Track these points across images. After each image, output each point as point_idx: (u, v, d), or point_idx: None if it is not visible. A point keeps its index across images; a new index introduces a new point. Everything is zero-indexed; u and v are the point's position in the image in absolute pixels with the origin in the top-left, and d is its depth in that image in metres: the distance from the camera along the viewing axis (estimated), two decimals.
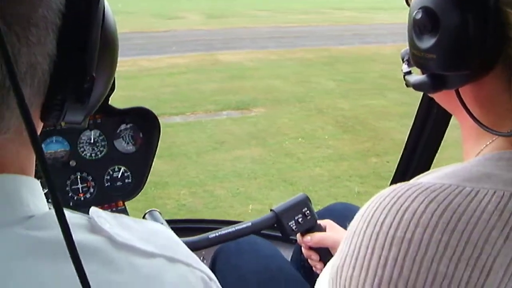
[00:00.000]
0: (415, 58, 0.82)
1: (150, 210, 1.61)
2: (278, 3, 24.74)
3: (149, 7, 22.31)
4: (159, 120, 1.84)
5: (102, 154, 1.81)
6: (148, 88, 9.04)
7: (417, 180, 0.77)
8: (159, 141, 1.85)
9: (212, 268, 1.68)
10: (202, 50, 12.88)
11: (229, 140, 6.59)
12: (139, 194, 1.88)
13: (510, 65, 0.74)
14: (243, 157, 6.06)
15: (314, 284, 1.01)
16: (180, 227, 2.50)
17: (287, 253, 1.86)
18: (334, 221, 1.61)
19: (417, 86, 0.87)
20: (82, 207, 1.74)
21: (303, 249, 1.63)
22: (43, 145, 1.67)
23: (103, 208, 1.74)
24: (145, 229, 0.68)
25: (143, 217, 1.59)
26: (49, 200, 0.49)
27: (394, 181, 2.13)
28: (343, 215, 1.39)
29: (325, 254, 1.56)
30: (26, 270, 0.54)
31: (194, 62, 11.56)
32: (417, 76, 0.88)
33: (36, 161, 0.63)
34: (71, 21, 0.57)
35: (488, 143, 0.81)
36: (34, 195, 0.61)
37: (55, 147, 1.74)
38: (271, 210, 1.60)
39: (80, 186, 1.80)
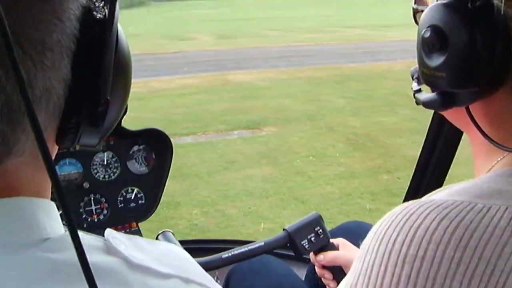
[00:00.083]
0: (425, 76, 0.82)
1: (163, 231, 1.62)
2: (288, 23, 24.84)
3: (160, 29, 22.47)
4: None
5: (115, 175, 1.83)
6: (158, 109, 9.09)
7: (428, 197, 0.77)
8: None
9: None
10: (213, 71, 12.94)
11: (240, 159, 6.59)
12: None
13: None
14: (254, 176, 6.06)
15: None
16: (193, 247, 2.50)
17: (301, 272, 1.85)
18: (347, 239, 1.61)
19: (427, 104, 0.87)
20: (96, 229, 1.75)
21: (316, 268, 1.62)
22: (56, 167, 1.68)
23: (116, 229, 1.75)
24: (160, 250, 0.68)
25: (156, 238, 1.59)
26: (64, 222, 0.50)
27: (407, 198, 2.12)
28: (356, 233, 1.39)
29: (338, 272, 1.55)
30: None
31: (205, 83, 11.60)
32: (427, 94, 0.88)
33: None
34: (85, 46, 0.58)
35: (499, 159, 0.81)
36: (50, 218, 0.61)
37: (68, 169, 1.75)
38: (283, 229, 1.60)
39: (93, 207, 1.80)
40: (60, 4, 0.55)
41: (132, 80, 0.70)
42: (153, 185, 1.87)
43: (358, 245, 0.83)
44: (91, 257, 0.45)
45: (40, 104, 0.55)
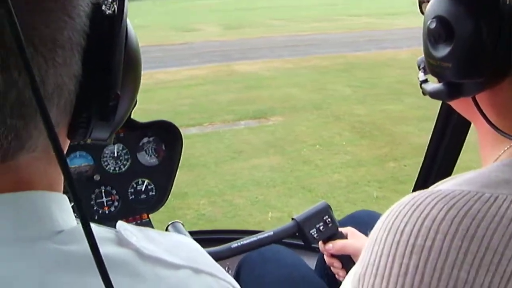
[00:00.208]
0: (431, 67, 0.82)
1: (173, 222, 1.63)
2: (292, 12, 24.76)
3: (167, 21, 22.42)
4: None
5: (125, 167, 1.83)
6: (164, 101, 9.09)
7: (436, 187, 0.77)
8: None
9: (237, 278, 1.69)
10: (219, 61, 12.92)
11: (247, 149, 6.60)
12: None
13: None
14: (261, 165, 6.06)
15: None
16: (202, 238, 2.51)
17: (311, 262, 1.86)
18: (357, 228, 1.61)
19: (433, 95, 0.87)
20: (107, 221, 1.76)
21: (325, 256, 1.63)
22: (67, 160, 1.69)
23: (127, 221, 1.76)
24: (170, 241, 0.69)
25: (166, 229, 1.60)
26: (76, 215, 0.51)
27: (416, 187, 2.12)
28: (365, 222, 1.39)
29: (347, 261, 1.56)
30: (57, 284, 0.55)
31: (211, 73, 11.59)
32: (433, 84, 0.88)
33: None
34: (95, 42, 0.58)
35: (505, 148, 0.82)
36: (63, 211, 0.62)
37: (79, 162, 1.76)
38: (292, 219, 1.61)
39: (104, 199, 1.81)
40: (70, 1, 0.56)
41: None
42: (163, 176, 1.87)
43: (367, 234, 0.84)
44: (103, 249, 0.46)
45: (52, 100, 0.56)
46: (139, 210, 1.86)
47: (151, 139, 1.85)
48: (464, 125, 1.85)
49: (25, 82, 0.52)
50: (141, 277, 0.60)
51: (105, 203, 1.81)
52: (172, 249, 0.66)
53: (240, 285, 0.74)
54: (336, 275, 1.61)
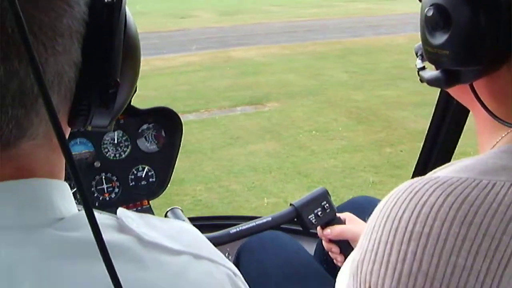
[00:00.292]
0: (428, 54, 0.83)
1: (172, 208, 1.63)
2: None
3: (162, 7, 22.27)
4: None
5: (125, 154, 1.84)
6: (161, 87, 9.05)
7: (434, 174, 0.78)
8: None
9: (237, 263, 1.70)
10: (215, 48, 12.86)
11: (243, 135, 6.61)
12: None
13: None
14: (257, 151, 6.08)
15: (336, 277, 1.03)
16: (199, 224, 2.52)
17: (310, 247, 1.87)
18: (355, 214, 1.62)
19: (431, 82, 0.87)
20: (108, 207, 1.78)
21: (323, 242, 1.64)
22: None
23: (128, 207, 1.77)
24: (171, 228, 0.70)
25: (165, 215, 1.61)
26: (77, 201, 0.51)
27: (416, 173, 2.13)
28: (364, 208, 1.40)
29: (345, 246, 1.57)
30: (59, 270, 0.56)
31: (208, 60, 11.54)
32: (431, 71, 0.88)
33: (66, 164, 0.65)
34: (94, 30, 0.59)
35: (503, 135, 0.82)
36: (64, 198, 0.63)
37: (79, 149, 1.77)
38: (290, 204, 1.61)
39: (105, 186, 1.82)
40: None
41: None
42: (163, 163, 1.88)
43: (365, 220, 0.84)
44: (104, 235, 0.47)
45: (52, 88, 0.56)
46: (140, 197, 1.87)
47: (151, 125, 1.85)
48: (463, 111, 1.85)
49: (26, 71, 0.53)
50: (142, 263, 0.61)
51: (105, 190, 1.82)
52: (173, 235, 0.67)
53: (240, 271, 0.74)
54: (334, 260, 1.62)
